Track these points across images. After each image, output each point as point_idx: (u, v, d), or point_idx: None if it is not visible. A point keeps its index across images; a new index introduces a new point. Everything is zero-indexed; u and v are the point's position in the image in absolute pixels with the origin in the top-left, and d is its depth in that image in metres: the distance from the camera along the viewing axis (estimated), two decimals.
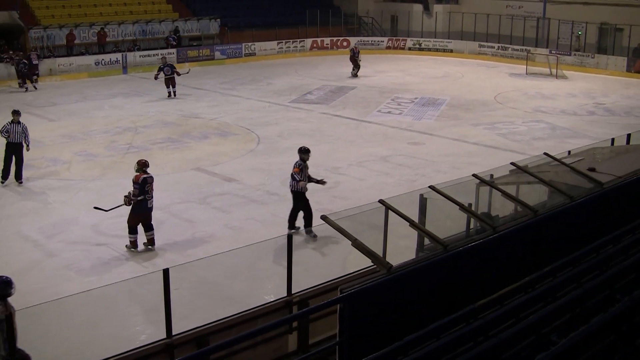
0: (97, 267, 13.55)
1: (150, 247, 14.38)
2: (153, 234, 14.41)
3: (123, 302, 11.05)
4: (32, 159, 18.72)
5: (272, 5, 50.02)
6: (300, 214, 14.91)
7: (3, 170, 18.38)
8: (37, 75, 35.47)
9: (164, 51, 40.74)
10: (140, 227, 14.30)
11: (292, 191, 14.93)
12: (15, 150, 18.28)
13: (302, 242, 14.05)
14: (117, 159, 21.09)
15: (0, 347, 8.47)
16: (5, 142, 18.36)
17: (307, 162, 14.96)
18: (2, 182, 18.28)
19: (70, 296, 10.27)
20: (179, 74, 31.16)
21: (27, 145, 18.56)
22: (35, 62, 35.19)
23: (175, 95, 31.28)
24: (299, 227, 14.86)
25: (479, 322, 6.77)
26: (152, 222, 14.39)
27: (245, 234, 14.95)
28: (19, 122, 18.39)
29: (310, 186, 15.08)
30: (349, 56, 38.94)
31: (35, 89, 33.54)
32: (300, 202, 14.88)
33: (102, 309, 10.50)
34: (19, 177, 18.42)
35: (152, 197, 14.24)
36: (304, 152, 14.94)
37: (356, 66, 38.17)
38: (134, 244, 14.27)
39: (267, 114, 28.12)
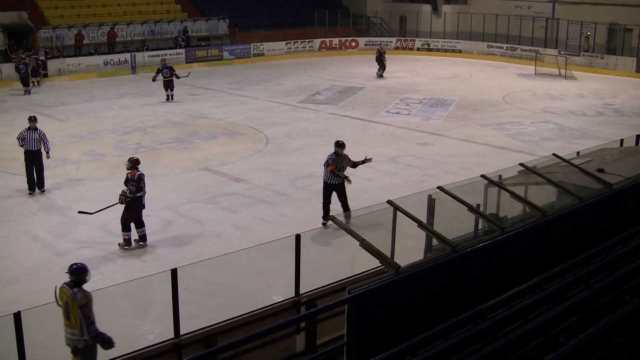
0: (105, 267, 13.59)
1: (141, 243, 14.56)
2: (145, 230, 14.60)
3: (131, 301, 11.08)
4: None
5: (281, 5, 50.11)
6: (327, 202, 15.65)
7: (28, 182, 17.81)
8: (46, 74, 35.55)
9: (173, 51, 40.87)
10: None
11: (324, 181, 15.64)
12: (33, 158, 17.71)
13: (310, 243, 14.06)
14: (126, 159, 21.05)
15: (83, 331, 8.76)
16: (23, 150, 17.84)
17: (343, 154, 15.50)
18: (30, 193, 17.77)
19: None
20: (178, 77, 30.55)
21: (47, 152, 17.96)
22: (41, 57, 35.28)
23: (172, 98, 30.64)
24: (348, 213, 15.34)
25: (487, 323, 6.76)
26: (143, 219, 14.61)
27: (253, 234, 14.98)
28: (35, 129, 17.70)
29: (319, 186, 15.43)
30: (374, 57, 38.72)
31: (30, 93, 32.68)
32: (326, 192, 15.59)
33: (110, 309, 10.53)
34: (41, 185, 17.94)
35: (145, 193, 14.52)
36: (339, 146, 15.49)
37: (382, 67, 38.06)
38: (127, 242, 14.44)
39: (275, 114, 28.15)
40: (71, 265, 9.07)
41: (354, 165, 15.75)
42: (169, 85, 30.51)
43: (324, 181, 15.59)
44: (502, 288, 7.43)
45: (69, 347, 8.96)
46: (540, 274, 7.79)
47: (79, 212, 15.37)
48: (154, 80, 30.63)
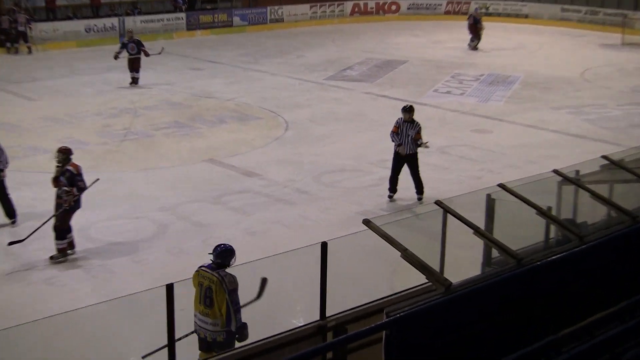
0: (81, 283, 13.62)
1: (70, 251, 14.44)
2: (73, 236, 14.52)
3: (123, 322, 11.10)
4: (7, 147, 18.32)
5: None
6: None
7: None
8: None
9: (171, 15, 41.04)
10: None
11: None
12: None
13: (339, 252, 14.00)
14: (112, 148, 21.23)
15: (230, 320, 9.48)
16: None
17: (413, 121, 16.71)
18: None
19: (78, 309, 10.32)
20: (147, 54, 28.75)
21: (2, 170, 15.76)
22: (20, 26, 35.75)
23: (137, 82, 29.02)
24: (391, 196, 17.19)
25: (563, 357, 6.67)
26: None
27: (269, 241, 14.96)
28: None
29: (351, 183, 15.48)
30: (467, 24, 38.54)
31: None
32: (394, 162, 17.01)
33: (103, 329, 10.60)
34: (11, 214, 16.03)
35: None
36: (404, 111, 16.85)
37: (477, 37, 37.91)
38: (65, 250, 14.29)
39: (297, 93, 28.24)
40: (217, 247, 9.79)
41: (416, 142, 16.67)
42: (133, 66, 28.87)
43: (394, 150, 16.96)
44: (581, 313, 7.35)
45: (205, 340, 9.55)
46: (630, 296, 7.69)
47: (9, 243, 14.74)
48: (115, 57, 28.99)
